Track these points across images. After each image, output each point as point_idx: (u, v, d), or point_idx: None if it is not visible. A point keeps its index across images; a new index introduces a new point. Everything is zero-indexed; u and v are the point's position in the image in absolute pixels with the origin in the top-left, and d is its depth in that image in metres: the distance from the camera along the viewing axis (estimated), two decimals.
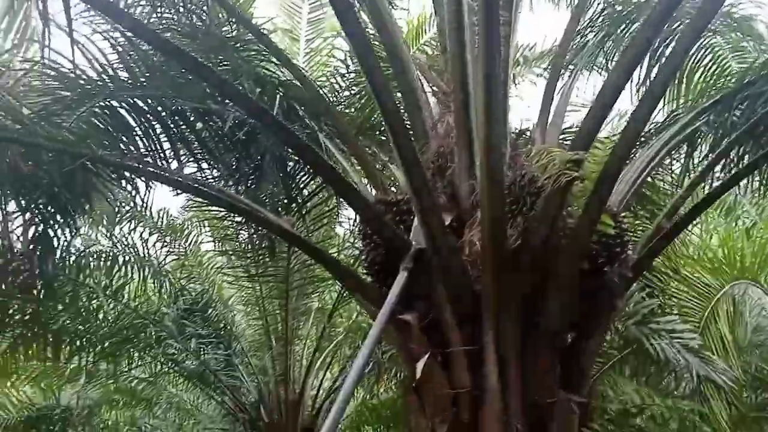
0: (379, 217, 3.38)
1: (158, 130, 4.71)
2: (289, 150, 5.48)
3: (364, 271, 3.97)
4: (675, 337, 5.60)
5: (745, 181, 4.34)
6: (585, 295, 3.26)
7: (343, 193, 3.50)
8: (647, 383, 6.86)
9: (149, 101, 4.56)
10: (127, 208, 7.66)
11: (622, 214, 3.47)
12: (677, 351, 5.57)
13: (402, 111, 3.35)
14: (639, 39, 2.77)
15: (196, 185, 4.54)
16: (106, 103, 4.50)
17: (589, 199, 2.90)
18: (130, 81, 4.44)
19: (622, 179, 3.57)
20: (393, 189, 4.18)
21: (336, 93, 6.05)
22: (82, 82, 4.34)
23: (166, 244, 8.39)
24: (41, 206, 4.63)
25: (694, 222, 5.29)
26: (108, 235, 7.56)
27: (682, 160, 4.65)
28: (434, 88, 3.98)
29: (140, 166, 4.39)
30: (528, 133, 3.66)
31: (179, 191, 5.24)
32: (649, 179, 4.53)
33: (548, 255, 3.12)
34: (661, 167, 4.65)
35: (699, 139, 4.22)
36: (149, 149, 4.71)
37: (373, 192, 4.23)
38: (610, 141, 3.03)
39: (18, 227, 4.84)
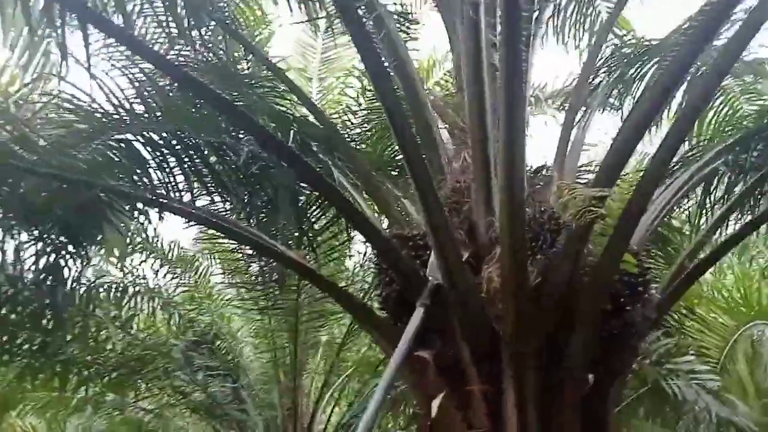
0: (396, 252, 3.34)
1: (172, 163, 4.75)
2: (302, 184, 5.52)
3: (378, 305, 3.92)
4: (693, 378, 5.48)
5: None
6: (607, 336, 3.19)
7: (358, 226, 3.48)
8: (663, 425, 6.70)
9: (164, 135, 4.61)
10: (139, 239, 7.71)
11: (643, 253, 3.41)
12: (696, 392, 5.45)
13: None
14: (668, 72, 2.76)
15: (208, 217, 4.54)
16: (122, 136, 4.56)
17: (612, 237, 2.86)
18: (146, 115, 4.49)
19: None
20: (407, 225, 4.16)
21: (348, 130, 6.12)
22: (98, 115, 4.39)
23: (176, 275, 8.38)
24: (53, 236, 4.64)
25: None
26: (119, 266, 7.56)
27: (697, 200, 4.61)
28: (448, 125, 4.00)
29: (153, 197, 4.40)
30: (545, 171, 3.64)
31: (191, 223, 5.24)
32: (665, 219, 4.50)
33: (570, 293, 3.07)
34: (677, 207, 4.61)
35: (716, 179, 4.19)
36: (162, 182, 4.74)
37: (387, 227, 4.22)
38: (630, 180, 3.00)
39: (29, 257, 4.84)
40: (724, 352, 6.40)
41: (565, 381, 3.24)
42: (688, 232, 4.81)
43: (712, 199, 4.25)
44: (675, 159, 4.21)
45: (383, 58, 2.86)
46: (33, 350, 5.95)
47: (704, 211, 4.39)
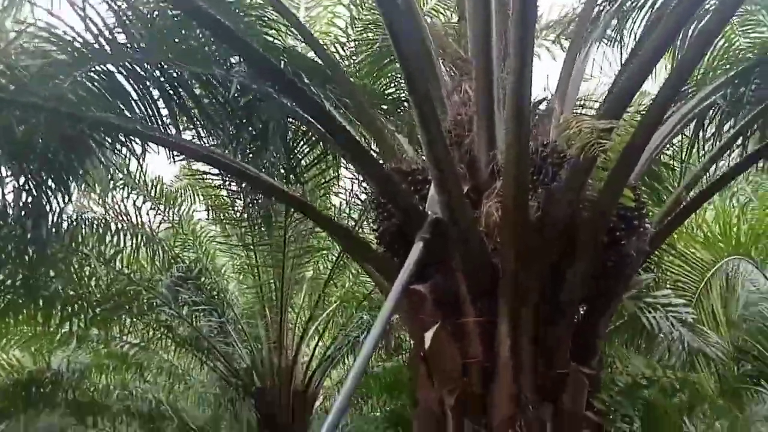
0: (395, 186, 3.32)
1: (156, 96, 4.58)
2: (291, 119, 5.39)
3: (375, 241, 3.93)
4: (670, 311, 5.68)
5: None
6: (602, 268, 3.25)
7: (356, 160, 3.43)
8: (638, 354, 7.00)
9: (147, 66, 4.42)
10: (120, 175, 7.54)
11: (639, 188, 3.45)
12: (671, 324, 5.67)
13: None
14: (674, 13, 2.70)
15: (197, 149, 4.43)
16: (103, 67, 4.36)
17: (614, 171, 2.87)
18: (128, 45, 4.28)
19: None
20: (402, 160, 4.12)
21: (338, 62, 5.93)
22: (77, 45, 4.18)
23: (159, 212, 8.28)
24: (34, 171, 4.50)
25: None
26: (101, 202, 7.43)
27: (690, 135, 4.63)
28: (448, 56, 3.89)
29: (138, 129, 4.26)
30: (545, 104, 3.60)
31: (179, 155, 5.11)
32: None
33: (570, 227, 3.10)
34: (669, 144, 4.63)
35: (713, 115, 4.20)
36: (146, 116, 4.58)
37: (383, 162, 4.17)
38: (634, 116, 2.99)
39: (10, 192, 4.71)
40: (700, 285, 6.62)
41: (560, 313, 3.32)
42: (677, 169, 4.86)
43: (704, 133, 4.27)
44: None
45: None
46: (17, 286, 5.91)
47: (695, 147, 4.42)
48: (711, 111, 4.17)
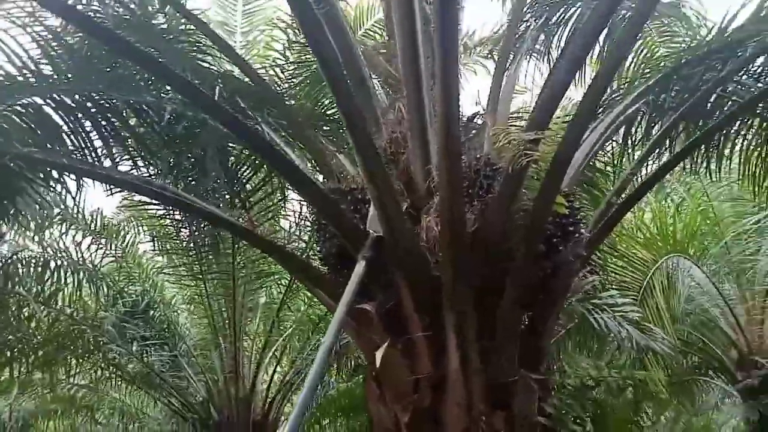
0: (335, 206, 3.31)
1: (88, 128, 4.46)
2: (231, 144, 5.33)
3: (318, 261, 3.91)
4: (616, 311, 5.84)
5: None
6: (542, 275, 3.32)
7: (295, 182, 3.40)
8: (590, 356, 7.16)
9: (77, 98, 4.30)
10: (57, 211, 7.26)
11: (572, 195, 3.55)
12: (618, 324, 5.83)
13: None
14: (590, 23, 2.82)
15: (134, 182, 4.32)
16: (29, 100, 4.22)
17: (545, 180, 2.95)
18: (55, 76, 4.17)
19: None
20: (343, 180, 4.12)
21: (276, 85, 5.92)
22: (0, 78, 4.04)
23: (101, 246, 7.99)
24: None
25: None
26: (37, 240, 7.13)
27: (621, 141, 4.81)
28: (381, 75, 3.94)
29: (70, 164, 4.13)
30: (478, 118, 3.68)
31: (116, 189, 4.97)
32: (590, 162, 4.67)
33: (506, 237, 3.16)
34: (601, 150, 4.79)
35: (640, 120, 4.37)
36: (79, 148, 4.45)
37: (323, 181, 4.16)
38: (560, 124, 3.08)
39: None
40: (643, 284, 6.84)
41: (503, 322, 3.36)
42: (610, 174, 5.03)
43: (633, 139, 4.45)
44: (599, 102, 4.37)
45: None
46: None
47: (626, 152, 4.59)
48: (638, 117, 4.34)
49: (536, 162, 2.93)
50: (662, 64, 4.45)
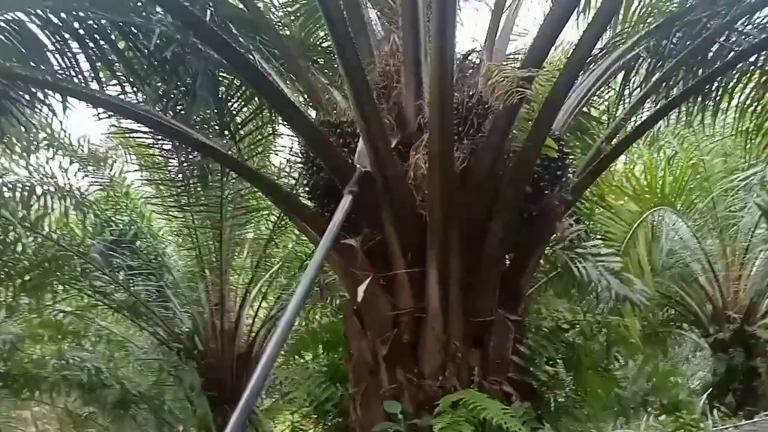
0: (323, 139, 3.27)
1: (75, 49, 4.32)
2: (222, 72, 5.21)
3: (306, 196, 3.90)
4: (599, 261, 5.93)
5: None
6: (527, 216, 3.34)
7: (284, 113, 3.35)
8: (570, 302, 7.31)
9: (63, 15, 4.15)
10: (43, 135, 7.15)
11: (563, 140, 3.52)
12: (599, 273, 5.92)
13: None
14: None
15: (122, 105, 4.23)
16: (12, 15, 4.07)
17: (536, 121, 2.91)
18: None
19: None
20: (334, 113, 4.06)
21: (270, 13, 5.73)
22: None
23: (88, 173, 7.91)
24: None
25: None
26: (23, 164, 7.04)
27: (617, 88, 4.75)
28: (377, 5, 3.83)
29: (54, 82, 4.03)
30: (474, 56, 3.60)
31: (104, 113, 4.87)
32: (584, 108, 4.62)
33: (494, 177, 3.15)
34: (596, 95, 4.74)
35: (636, 67, 4.30)
36: (65, 69, 4.32)
37: (314, 115, 4.10)
38: (556, 65, 3.02)
39: None
40: (628, 236, 6.91)
41: (486, 262, 3.40)
42: (605, 122, 4.99)
43: (630, 86, 4.38)
44: (599, 46, 4.29)
45: None
46: None
47: (622, 99, 4.54)
48: (637, 64, 4.27)
49: (528, 102, 2.89)
50: (668, 9, 4.33)
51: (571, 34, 3.48)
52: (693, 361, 11.81)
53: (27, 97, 4.33)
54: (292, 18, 5.66)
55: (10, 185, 6.54)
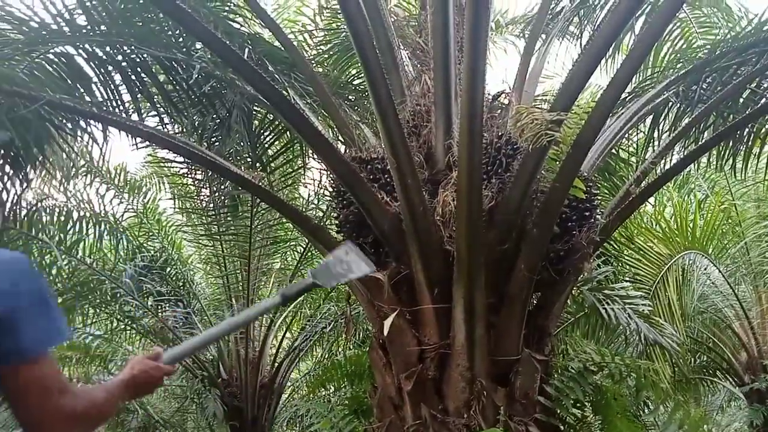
0: (354, 174, 3.35)
1: (117, 81, 4.52)
2: (257, 108, 5.38)
3: (335, 229, 3.96)
4: (627, 303, 5.83)
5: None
6: (554, 257, 3.34)
7: (317, 148, 3.44)
8: (597, 344, 7.18)
9: (108, 49, 4.36)
10: (83, 162, 7.41)
11: (591, 180, 3.54)
12: (628, 316, 5.82)
13: None
14: (621, 8, 2.79)
15: (160, 136, 4.39)
16: (61, 49, 4.29)
17: (564, 162, 2.94)
18: (88, 27, 4.22)
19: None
20: (364, 149, 4.15)
21: (304, 51, 5.93)
22: (35, 25, 4.10)
23: (123, 201, 8.15)
24: None
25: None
26: (62, 189, 7.29)
27: (646, 131, 4.76)
28: (410, 47, 3.94)
29: (98, 113, 4.21)
30: (503, 97, 3.66)
31: (142, 143, 5.05)
32: (613, 150, 4.63)
33: (521, 216, 3.17)
34: (626, 138, 4.75)
35: (665, 111, 4.32)
36: (107, 100, 4.52)
37: (344, 150, 4.19)
38: (584, 107, 3.06)
39: None
40: (657, 279, 6.80)
41: (511, 300, 3.40)
42: (633, 164, 4.99)
43: (660, 130, 4.39)
44: (627, 90, 4.32)
45: None
46: None
47: (651, 142, 4.54)
48: (666, 107, 4.28)
49: (557, 144, 2.93)
50: (698, 55, 4.37)
51: (599, 78, 3.52)
52: (728, 411, 11.39)
53: (70, 125, 4.52)
54: (325, 56, 5.85)
55: (48, 209, 6.75)
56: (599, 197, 3.71)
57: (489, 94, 3.68)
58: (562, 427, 3.52)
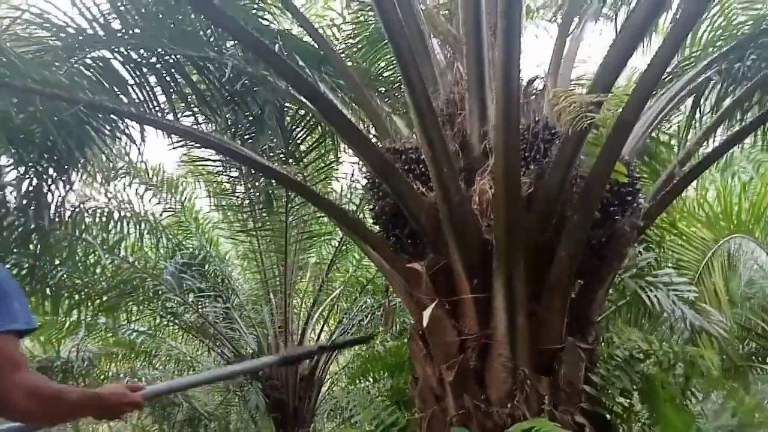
0: (389, 165, 3.33)
1: (153, 83, 4.60)
2: (288, 104, 5.41)
3: (370, 221, 3.96)
4: (672, 289, 5.68)
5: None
6: (596, 243, 3.27)
7: (352, 141, 3.43)
8: (641, 332, 7.01)
9: (142, 52, 4.44)
10: (122, 164, 7.59)
11: (632, 165, 3.44)
12: (672, 302, 5.67)
13: None
14: None
15: (196, 134, 4.46)
16: (98, 53, 4.38)
17: (605, 146, 2.87)
18: (122, 31, 4.30)
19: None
20: (397, 141, 4.13)
21: (334, 44, 5.93)
22: (72, 31, 4.20)
23: (161, 200, 8.32)
24: (35, 160, 4.54)
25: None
26: (103, 191, 7.48)
27: (687, 112, 4.61)
28: (440, 35, 3.89)
29: (137, 113, 4.30)
30: (538, 81, 3.59)
31: (178, 142, 5.14)
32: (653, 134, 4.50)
33: (561, 203, 3.11)
34: (666, 121, 4.62)
35: (707, 91, 4.17)
36: (143, 102, 4.61)
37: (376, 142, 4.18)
38: (624, 90, 2.98)
39: (12, 181, 4.75)
40: (702, 264, 6.60)
41: (553, 287, 3.34)
42: (675, 147, 4.84)
43: (701, 110, 4.24)
44: (667, 71, 4.18)
45: None
46: (23, 275, 5.97)
47: (693, 124, 4.40)
48: (707, 87, 4.13)
49: (596, 127, 2.86)
50: (739, 31, 4.19)
51: (637, 60, 3.41)
52: None
53: (108, 128, 4.62)
54: (354, 50, 5.84)
55: (90, 210, 6.93)
56: (641, 181, 3.61)
57: (523, 78, 3.60)
58: (608, 417, 3.45)
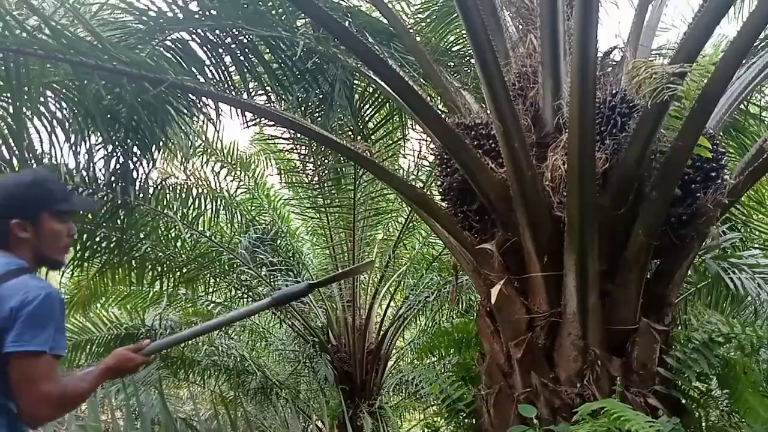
0: (459, 141, 3.30)
1: (228, 62, 4.75)
2: (357, 82, 5.45)
3: (439, 197, 3.96)
4: (757, 272, 5.37)
5: None
6: (675, 222, 3.13)
7: (423, 116, 3.42)
8: (722, 315, 6.69)
9: (218, 32, 4.58)
10: (199, 142, 7.91)
11: (718, 138, 3.26)
12: (758, 285, 5.36)
13: None
14: None
15: (271, 111, 4.58)
16: (178, 35, 4.56)
17: (687, 119, 2.73)
18: (199, 12, 4.44)
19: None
20: (467, 116, 4.09)
21: (402, 20, 5.89)
22: (153, 14, 4.38)
23: (235, 177, 8.63)
24: (121, 139, 4.80)
25: None
26: (182, 168, 7.84)
27: None
28: (513, 6, 3.80)
29: (216, 92, 4.46)
30: (617, 52, 3.45)
31: (253, 118, 5.29)
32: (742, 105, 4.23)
33: (639, 179, 2.99)
34: (757, 92, 4.32)
35: None
36: (219, 80, 4.77)
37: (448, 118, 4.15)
38: (709, 59, 2.81)
39: (100, 159, 5.05)
40: None
41: (628, 267, 3.24)
42: (766, 119, 4.53)
43: None
44: (760, 37, 3.91)
45: None
46: (110, 247, 6.37)
47: None
48: None
49: (679, 99, 2.72)
50: None
51: (726, 26, 3.20)
52: None
53: (187, 107, 4.82)
54: (423, 25, 5.79)
55: (171, 187, 7.28)
56: (727, 156, 3.41)
57: (600, 50, 3.46)
58: (683, 401, 3.34)
